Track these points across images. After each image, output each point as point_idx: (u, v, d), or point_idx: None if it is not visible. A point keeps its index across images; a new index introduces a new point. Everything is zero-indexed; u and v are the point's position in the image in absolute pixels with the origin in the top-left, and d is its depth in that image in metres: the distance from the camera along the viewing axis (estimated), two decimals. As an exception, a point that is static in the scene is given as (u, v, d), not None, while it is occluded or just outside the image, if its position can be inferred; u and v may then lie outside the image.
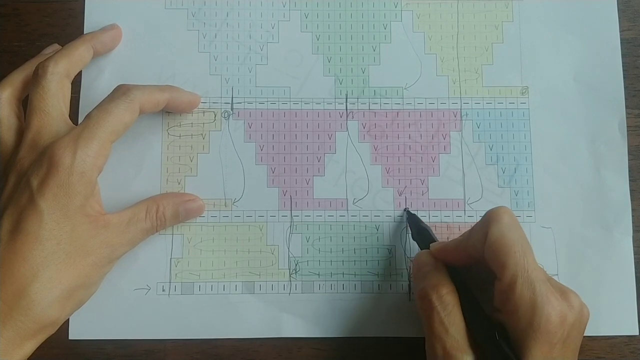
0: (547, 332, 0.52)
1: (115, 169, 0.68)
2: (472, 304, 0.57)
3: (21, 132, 0.62)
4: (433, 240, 0.65)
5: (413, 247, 0.68)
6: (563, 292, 0.56)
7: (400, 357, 0.68)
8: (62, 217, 0.57)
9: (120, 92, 0.62)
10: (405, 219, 0.69)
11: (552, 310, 0.53)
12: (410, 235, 0.68)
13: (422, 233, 0.66)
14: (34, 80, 0.62)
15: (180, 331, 0.68)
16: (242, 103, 0.71)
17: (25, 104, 0.63)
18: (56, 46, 0.70)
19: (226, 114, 0.71)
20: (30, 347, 0.56)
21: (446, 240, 0.66)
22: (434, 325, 0.57)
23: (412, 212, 0.69)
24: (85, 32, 0.71)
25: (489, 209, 0.58)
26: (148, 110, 0.63)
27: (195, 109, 0.71)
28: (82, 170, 0.57)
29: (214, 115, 0.71)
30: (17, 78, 0.64)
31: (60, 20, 0.73)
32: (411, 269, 0.66)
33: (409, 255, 0.69)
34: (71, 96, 0.64)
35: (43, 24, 0.73)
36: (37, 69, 0.62)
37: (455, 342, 0.55)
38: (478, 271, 0.60)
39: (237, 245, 0.69)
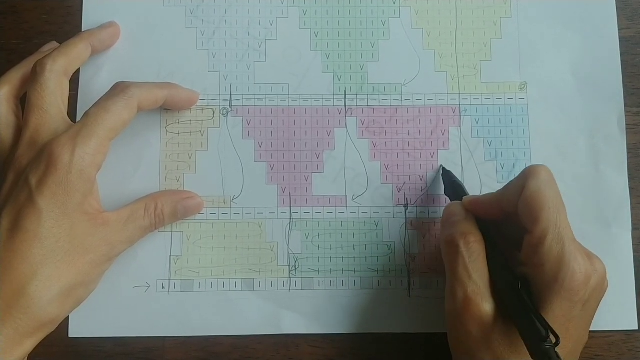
0: (571, 289, 0.53)
1: (114, 167, 0.68)
2: (498, 256, 0.58)
3: (19, 130, 0.62)
4: (465, 194, 0.65)
5: (412, 243, 0.69)
6: (589, 255, 0.57)
7: (399, 353, 0.68)
8: (61, 215, 0.57)
9: (118, 89, 0.62)
10: (440, 175, 0.70)
11: (578, 268, 0.53)
12: (408, 224, 0.69)
13: (455, 187, 0.67)
14: (32, 78, 0.62)
15: (180, 328, 0.68)
16: (241, 100, 0.71)
17: (23, 102, 0.62)
18: (54, 44, 0.70)
19: (225, 111, 0.71)
20: (30, 344, 0.57)
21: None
22: (458, 270, 0.58)
23: (447, 169, 0.70)
24: (83, 30, 0.71)
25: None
26: (146, 107, 0.63)
27: (194, 106, 0.71)
28: (80, 168, 0.57)
29: (212, 113, 0.71)
30: (15, 76, 0.64)
31: (58, 18, 0.73)
32: (442, 217, 0.65)
33: (408, 252, 0.69)
34: (69, 94, 0.64)
35: (41, 21, 0.73)
36: (35, 66, 0.62)
37: (477, 288, 0.56)
38: (507, 228, 0.61)
39: (236, 242, 0.69)
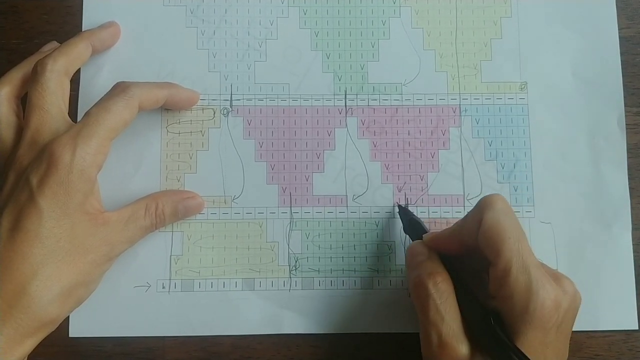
0: (542, 318, 0.52)
1: (115, 167, 0.68)
2: (466, 292, 0.58)
3: (20, 130, 0.62)
4: (425, 231, 0.65)
5: (407, 247, 0.68)
6: (557, 277, 0.56)
7: (400, 353, 0.68)
8: (62, 215, 0.57)
9: (119, 89, 0.62)
10: (397, 213, 0.69)
11: (547, 295, 0.53)
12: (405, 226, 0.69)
13: (413, 225, 0.67)
14: (33, 78, 0.62)
15: (180, 328, 0.68)
16: (241, 100, 0.71)
17: (24, 102, 0.62)
18: (55, 44, 0.70)
19: (225, 110, 0.71)
20: (30, 344, 0.57)
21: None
22: (430, 313, 0.57)
23: (403, 205, 0.70)
24: (83, 30, 0.71)
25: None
26: (147, 107, 0.63)
27: (194, 106, 0.71)
28: (81, 168, 0.57)
29: (213, 112, 0.71)
30: (16, 76, 0.64)
31: (59, 18, 0.73)
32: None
33: (408, 252, 0.69)
34: (70, 94, 0.64)
35: (41, 21, 0.73)
36: (35, 66, 0.62)
37: (451, 330, 0.55)
38: (470, 261, 0.60)
39: (236, 242, 0.69)
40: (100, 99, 0.61)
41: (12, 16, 0.73)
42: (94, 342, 0.67)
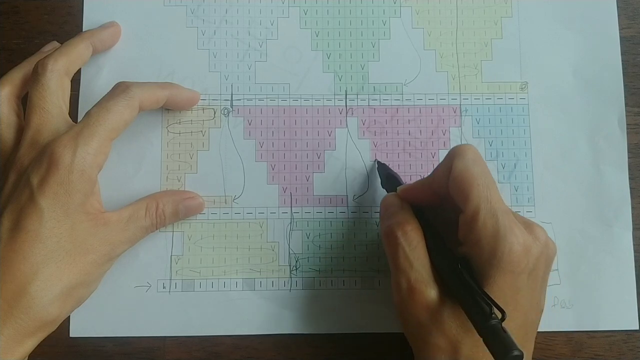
0: (510, 262, 0.53)
1: (115, 167, 0.68)
2: (436, 241, 0.59)
3: (21, 130, 0.62)
4: (400, 184, 0.65)
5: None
6: (528, 225, 0.57)
7: (400, 352, 0.68)
8: (62, 215, 0.57)
9: (119, 89, 0.61)
10: (375, 169, 0.70)
11: (515, 239, 0.54)
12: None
13: (390, 180, 0.67)
14: (34, 78, 0.62)
15: (180, 328, 0.68)
16: (242, 100, 0.71)
17: (24, 102, 0.63)
18: (55, 44, 0.70)
19: (226, 111, 0.71)
20: (30, 344, 0.57)
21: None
22: (399, 261, 0.58)
23: (382, 162, 0.70)
24: (84, 30, 0.71)
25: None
26: (148, 107, 0.63)
27: (195, 106, 0.71)
28: (82, 168, 0.57)
29: (213, 113, 0.71)
30: (17, 76, 0.64)
31: (59, 18, 0.73)
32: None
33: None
34: (71, 94, 0.64)
35: (42, 21, 0.73)
36: (36, 66, 0.62)
37: (420, 276, 0.57)
38: (442, 212, 0.61)
39: (237, 242, 0.69)
40: (101, 99, 0.61)
41: (13, 16, 0.73)
42: (94, 342, 0.67)
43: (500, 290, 0.53)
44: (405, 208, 0.61)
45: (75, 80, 0.68)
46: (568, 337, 0.65)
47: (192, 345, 0.68)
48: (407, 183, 0.65)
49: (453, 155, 0.57)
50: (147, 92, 0.63)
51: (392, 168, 0.69)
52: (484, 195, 0.55)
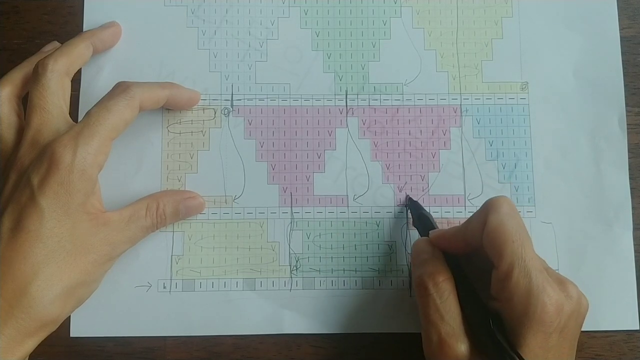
0: (543, 322, 0.53)
1: (116, 166, 0.68)
2: (469, 292, 0.58)
3: (21, 130, 0.62)
4: (433, 227, 0.65)
5: (413, 242, 0.68)
6: (561, 282, 0.56)
7: (401, 352, 0.68)
8: (63, 215, 0.57)
9: (120, 89, 0.61)
10: (406, 205, 0.69)
11: (548, 299, 0.53)
12: (409, 224, 0.69)
13: (422, 220, 0.66)
14: (34, 78, 0.62)
15: (181, 328, 0.68)
16: (242, 100, 0.71)
17: (24, 102, 0.63)
18: (56, 44, 0.70)
19: (226, 110, 0.71)
20: (31, 344, 0.57)
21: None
22: (430, 313, 0.57)
23: (414, 199, 0.69)
24: (84, 30, 0.71)
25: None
26: (148, 107, 0.63)
27: (195, 106, 0.71)
28: (82, 168, 0.57)
29: (213, 112, 0.71)
30: (17, 76, 0.64)
31: (60, 18, 0.73)
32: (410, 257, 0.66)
33: (409, 252, 0.69)
34: (71, 94, 0.64)
35: (42, 21, 0.73)
36: (36, 66, 0.62)
37: (450, 329, 0.56)
38: (476, 260, 0.60)
39: (237, 242, 0.69)
40: (101, 98, 0.61)
41: (13, 16, 0.73)
42: (94, 342, 0.67)
43: (531, 350, 0.53)
44: (437, 256, 0.61)
45: (76, 80, 0.68)
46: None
47: (193, 345, 0.68)
48: (439, 229, 0.64)
49: (488, 208, 0.57)
50: (147, 91, 0.63)
51: (393, 162, 0.69)
52: (518, 252, 0.54)
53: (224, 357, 0.68)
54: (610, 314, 0.68)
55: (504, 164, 0.70)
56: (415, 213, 0.68)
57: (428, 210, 0.69)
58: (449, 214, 0.70)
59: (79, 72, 0.69)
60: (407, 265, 0.69)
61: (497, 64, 0.72)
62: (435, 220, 0.68)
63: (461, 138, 0.71)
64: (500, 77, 0.72)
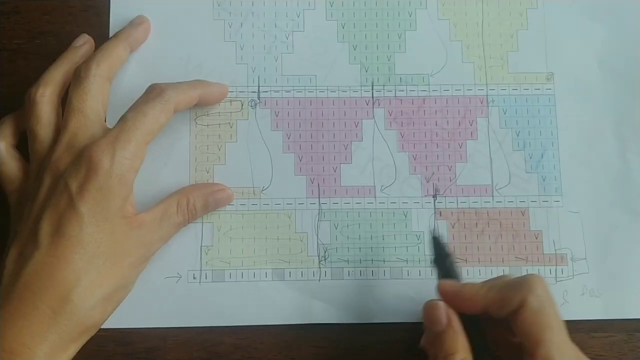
0: None
1: (145, 160, 0.68)
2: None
3: (58, 131, 0.62)
4: (453, 271, 0.61)
5: (441, 232, 0.69)
6: None
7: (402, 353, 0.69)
8: (102, 221, 0.58)
9: (154, 93, 0.62)
10: (430, 241, 0.64)
11: None
12: (436, 215, 0.70)
13: (446, 271, 0.62)
14: (76, 81, 0.62)
15: (211, 318, 0.68)
16: (269, 92, 0.71)
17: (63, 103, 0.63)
18: (86, 36, 0.69)
19: (253, 102, 0.71)
20: (73, 349, 0.58)
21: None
22: None
23: (438, 238, 0.63)
24: (111, 25, 0.71)
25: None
26: (182, 108, 0.64)
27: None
28: (120, 173, 0.58)
29: (241, 105, 0.71)
30: (57, 76, 0.65)
31: (60, 18, 0.73)
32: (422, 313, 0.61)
33: (438, 241, 0.69)
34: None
35: (43, 21, 0.73)
36: (78, 70, 0.63)
37: None
38: (495, 323, 0.57)
39: (266, 232, 0.70)
40: (136, 102, 0.62)
41: (13, 16, 0.73)
42: (95, 342, 0.66)
43: None
44: (453, 329, 0.55)
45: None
46: (569, 337, 0.64)
47: (193, 345, 0.68)
48: (454, 284, 0.59)
49: (525, 287, 0.53)
50: (181, 94, 0.63)
51: (420, 153, 0.70)
52: (556, 341, 0.52)
53: (224, 357, 0.68)
54: (636, 302, 0.69)
55: (530, 154, 0.71)
56: (438, 252, 0.63)
57: (455, 205, 0.69)
58: (477, 204, 0.70)
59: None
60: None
61: (523, 55, 0.73)
62: (455, 213, 0.69)
63: (488, 128, 0.71)
64: (525, 68, 0.72)
